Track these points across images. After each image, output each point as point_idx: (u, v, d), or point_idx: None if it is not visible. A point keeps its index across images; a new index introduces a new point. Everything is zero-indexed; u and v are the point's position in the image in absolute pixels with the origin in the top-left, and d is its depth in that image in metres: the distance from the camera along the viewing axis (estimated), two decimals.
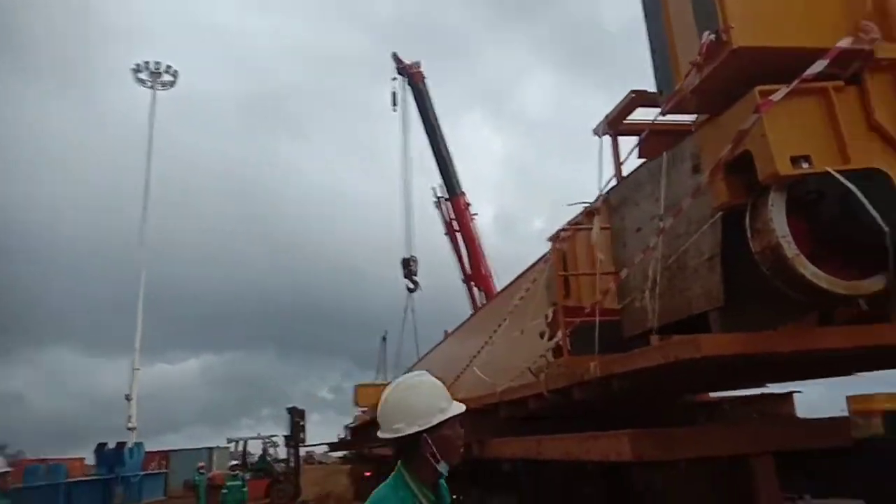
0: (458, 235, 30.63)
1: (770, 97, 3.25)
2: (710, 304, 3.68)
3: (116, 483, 26.08)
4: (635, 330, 4.67)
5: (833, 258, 3.28)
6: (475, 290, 30.53)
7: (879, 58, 3.38)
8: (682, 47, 3.83)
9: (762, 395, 7.61)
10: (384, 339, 42.94)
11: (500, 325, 8.19)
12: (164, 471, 33.66)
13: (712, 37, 3.41)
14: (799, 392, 7.49)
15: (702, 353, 3.51)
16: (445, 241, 30.99)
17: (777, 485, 3.98)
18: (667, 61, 3.96)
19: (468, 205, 30.60)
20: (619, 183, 4.89)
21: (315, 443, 34.31)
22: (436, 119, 30.02)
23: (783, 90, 3.24)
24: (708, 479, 4.23)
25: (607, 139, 5.25)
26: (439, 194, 30.94)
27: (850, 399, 10.10)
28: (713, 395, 7.37)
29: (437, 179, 30.92)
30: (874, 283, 3.32)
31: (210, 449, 37.20)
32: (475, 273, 30.32)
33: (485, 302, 29.92)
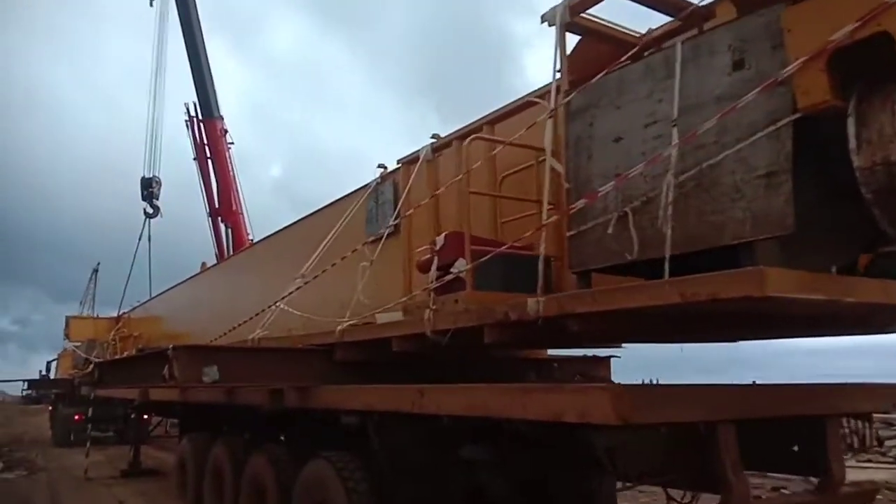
0: (210, 163, 27.42)
1: None
2: (762, 232, 2.87)
3: None
4: (591, 263, 3.75)
5: None
6: (222, 226, 27.75)
7: None
8: None
9: (584, 358, 7.36)
10: (96, 270, 37.97)
11: (314, 260, 6.85)
12: None
13: None
14: (617, 357, 7.39)
15: (765, 292, 2.68)
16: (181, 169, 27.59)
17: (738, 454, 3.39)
18: None
19: (226, 131, 27.51)
20: (584, 85, 3.88)
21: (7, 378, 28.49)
22: (199, 25, 26.30)
23: None
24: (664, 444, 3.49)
25: (556, 31, 4.20)
26: (192, 113, 27.31)
27: None
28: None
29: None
30: None
31: None
32: (224, 208, 27.45)
33: (234, 239, 27.49)
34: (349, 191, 7.81)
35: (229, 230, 27.58)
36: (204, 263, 13.83)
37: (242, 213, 27.86)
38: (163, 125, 27.14)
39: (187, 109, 27.24)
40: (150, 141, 26.44)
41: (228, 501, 6.92)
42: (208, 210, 27.90)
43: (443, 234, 4.81)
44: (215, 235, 27.92)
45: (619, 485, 5.12)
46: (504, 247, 4.24)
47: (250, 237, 27.66)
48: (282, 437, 6.61)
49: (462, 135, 5.48)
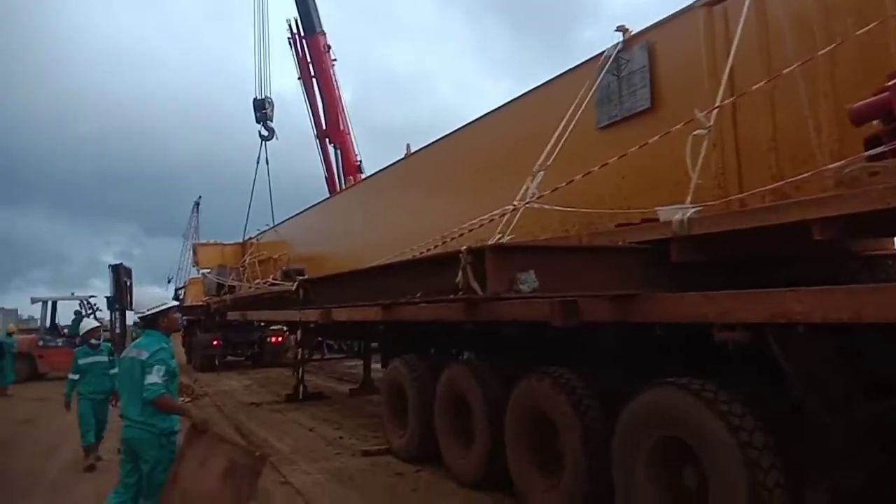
0: (314, 82, 26.33)
1: None
2: None
3: None
4: None
5: None
6: (330, 147, 26.89)
7: None
8: None
9: None
10: (197, 203, 38.55)
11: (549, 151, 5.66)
12: None
13: None
14: None
15: None
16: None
17: None
18: None
19: (329, 47, 26.22)
20: None
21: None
22: None
23: None
24: None
25: None
26: (294, 30, 26.12)
27: None
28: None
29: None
30: None
31: None
32: (331, 128, 26.52)
33: (343, 160, 26.64)
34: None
35: (338, 151, 26.76)
36: (350, 179, 12.79)
37: (350, 133, 26.95)
38: (269, 44, 25.99)
39: (289, 26, 26.05)
40: (260, 60, 25.46)
41: (482, 432, 5.97)
42: (315, 131, 27.05)
43: None
44: (324, 157, 27.15)
45: None
46: None
47: (358, 158, 26.82)
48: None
49: None
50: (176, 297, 27.39)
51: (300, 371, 12.99)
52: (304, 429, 9.75)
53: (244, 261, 18.38)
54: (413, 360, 7.42)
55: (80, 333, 8.48)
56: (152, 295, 5.58)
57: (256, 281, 16.95)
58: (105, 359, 8.06)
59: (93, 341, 8.11)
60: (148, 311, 4.95)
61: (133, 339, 5.82)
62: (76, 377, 7.88)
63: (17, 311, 34.91)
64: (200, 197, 38.77)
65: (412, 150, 9.88)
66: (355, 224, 11.75)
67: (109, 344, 8.69)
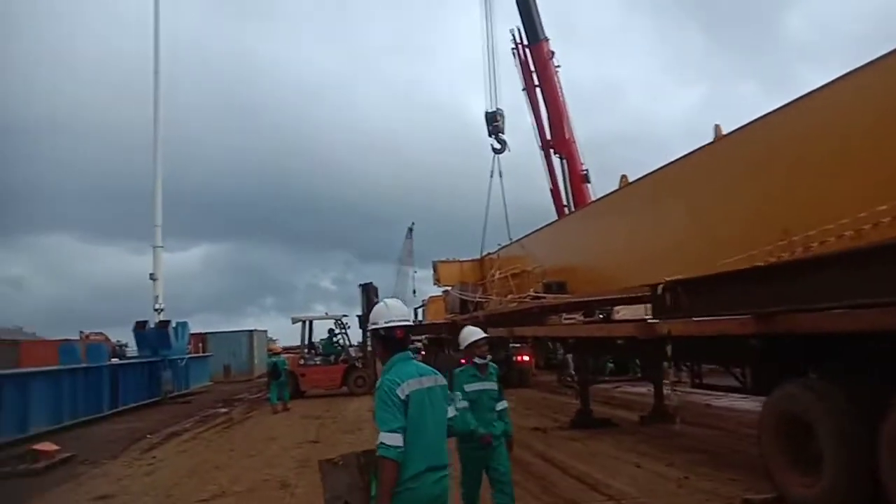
0: (538, 91, 25.45)
1: None
2: None
3: (164, 366, 21.85)
4: None
5: None
6: (555, 158, 25.78)
7: None
8: None
9: None
10: (411, 229, 39.33)
11: None
12: (208, 354, 29.56)
13: None
14: None
15: None
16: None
17: None
18: None
19: (552, 53, 25.24)
20: None
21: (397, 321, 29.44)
22: None
23: None
24: None
25: None
26: (518, 40, 25.50)
27: None
28: None
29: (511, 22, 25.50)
30: None
31: (250, 332, 33.42)
32: (557, 137, 25.48)
33: (569, 170, 25.38)
34: None
35: (563, 161, 25.60)
36: (625, 176, 11.34)
37: (575, 142, 25.67)
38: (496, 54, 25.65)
39: (513, 36, 25.51)
40: (489, 72, 25.14)
41: None
42: (540, 142, 26.12)
43: None
44: (548, 168, 26.13)
45: None
46: None
47: (584, 168, 25.42)
48: None
49: None
50: (414, 316, 27.78)
51: (583, 394, 11.77)
52: (628, 464, 8.43)
53: (492, 275, 17.68)
54: (823, 387, 5.75)
55: (462, 346, 5.81)
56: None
57: (510, 295, 16.12)
58: (494, 386, 5.59)
59: (478, 360, 5.58)
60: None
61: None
62: (466, 405, 5.30)
63: (266, 331, 37.64)
64: (413, 223, 39.60)
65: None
66: (625, 232, 10.38)
67: (496, 366, 5.80)
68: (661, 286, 6.44)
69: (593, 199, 23.65)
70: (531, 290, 14.29)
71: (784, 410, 6.13)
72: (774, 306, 5.94)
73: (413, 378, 3.36)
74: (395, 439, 3.13)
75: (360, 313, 20.05)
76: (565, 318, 15.92)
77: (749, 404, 11.48)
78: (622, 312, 14.29)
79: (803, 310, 5.68)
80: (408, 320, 3.67)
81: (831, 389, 5.70)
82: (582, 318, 14.39)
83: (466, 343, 5.65)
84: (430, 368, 3.57)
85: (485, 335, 5.68)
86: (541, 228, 16.97)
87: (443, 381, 3.55)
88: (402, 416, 3.20)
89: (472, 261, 21.37)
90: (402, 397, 3.24)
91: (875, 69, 5.58)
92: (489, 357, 5.63)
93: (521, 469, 8.00)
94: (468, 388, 5.40)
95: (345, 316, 21.10)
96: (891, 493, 4.99)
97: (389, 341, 3.52)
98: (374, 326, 3.55)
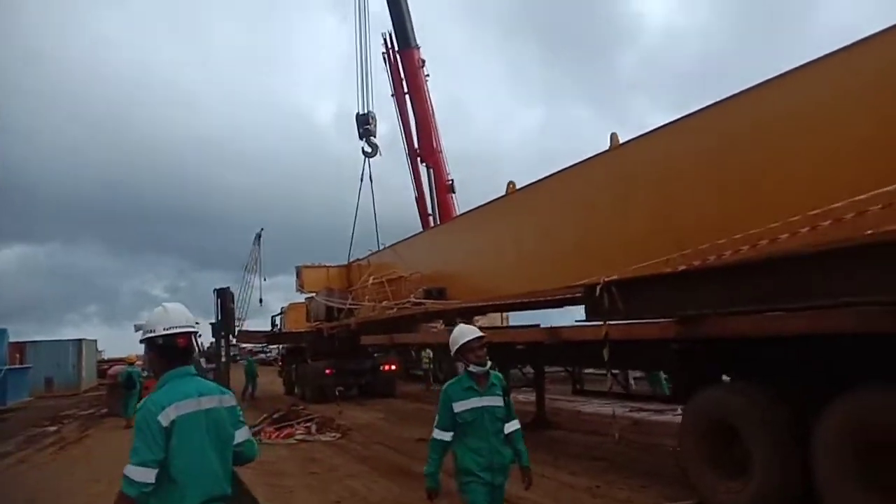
0: (407, 98, 25.21)
1: None
2: None
3: None
4: None
5: None
6: (422, 167, 25.62)
7: None
8: None
9: None
10: (259, 236, 37.75)
11: None
12: (26, 366, 25.64)
13: None
14: None
15: None
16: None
17: None
18: None
19: (423, 62, 25.14)
20: None
21: (255, 329, 27.17)
22: None
23: None
24: None
25: None
26: (389, 45, 25.13)
27: None
28: None
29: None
30: None
31: (78, 341, 29.62)
32: (424, 147, 25.32)
33: (435, 181, 25.29)
34: None
35: (430, 170, 25.51)
36: (512, 183, 11.23)
37: (442, 152, 25.72)
38: (370, 57, 24.99)
39: (385, 41, 25.08)
40: (361, 74, 24.45)
41: None
42: (407, 150, 25.89)
43: None
44: (415, 177, 25.93)
45: None
46: None
47: (450, 178, 25.51)
48: None
49: None
50: (272, 324, 26.10)
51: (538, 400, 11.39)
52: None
53: (364, 281, 16.95)
54: (750, 390, 5.76)
55: (452, 350, 4.40)
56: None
57: (385, 302, 15.54)
58: (499, 401, 4.26)
59: (473, 368, 4.23)
60: None
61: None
62: (448, 438, 4.18)
63: (96, 341, 33.89)
64: (262, 229, 37.79)
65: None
66: (510, 239, 10.30)
67: (500, 375, 4.44)
68: (600, 286, 6.17)
69: (457, 209, 23.84)
70: (411, 295, 13.79)
71: (708, 415, 6.10)
72: (697, 310, 5.89)
73: (190, 398, 2.87)
74: (142, 474, 2.63)
75: (213, 321, 18.44)
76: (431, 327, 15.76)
77: (619, 409, 11.80)
78: (480, 321, 14.30)
79: (726, 313, 5.67)
80: (192, 327, 3.10)
81: (759, 392, 5.73)
82: (443, 327, 14.32)
83: (457, 345, 4.30)
84: (216, 386, 3.09)
85: (480, 334, 4.31)
86: (417, 234, 16.57)
87: (230, 401, 3.07)
88: (158, 447, 2.69)
89: (339, 266, 20.50)
90: (165, 424, 2.74)
91: (749, 97, 5.79)
92: (489, 364, 4.25)
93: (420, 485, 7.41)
94: (459, 407, 4.10)
95: (196, 323, 19.22)
96: (825, 493, 5.05)
97: (169, 350, 2.99)
98: (150, 335, 2.97)
